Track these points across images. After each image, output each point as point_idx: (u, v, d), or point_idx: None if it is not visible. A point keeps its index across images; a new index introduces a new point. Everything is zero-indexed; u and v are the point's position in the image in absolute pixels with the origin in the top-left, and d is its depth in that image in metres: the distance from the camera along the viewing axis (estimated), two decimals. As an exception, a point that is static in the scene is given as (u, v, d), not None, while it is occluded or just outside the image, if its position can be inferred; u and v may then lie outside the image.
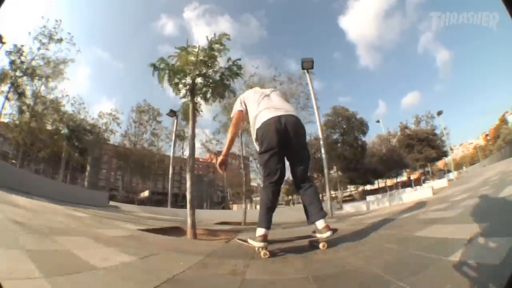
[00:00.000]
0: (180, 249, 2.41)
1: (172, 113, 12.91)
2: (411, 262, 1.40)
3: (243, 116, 2.32)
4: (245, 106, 2.32)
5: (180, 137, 17.27)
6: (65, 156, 16.02)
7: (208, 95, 4.54)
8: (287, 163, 2.25)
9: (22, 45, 13.09)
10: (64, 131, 15.40)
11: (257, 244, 1.93)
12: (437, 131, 29.20)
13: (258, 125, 2.10)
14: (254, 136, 2.21)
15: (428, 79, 74.38)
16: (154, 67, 4.26)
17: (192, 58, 4.29)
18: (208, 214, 9.92)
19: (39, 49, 13.53)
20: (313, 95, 9.56)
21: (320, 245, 1.97)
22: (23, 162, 19.13)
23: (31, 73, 13.34)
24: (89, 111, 18.07)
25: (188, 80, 4.37)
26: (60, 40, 14.11)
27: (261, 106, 2.16)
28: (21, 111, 14.06)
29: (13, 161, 16.63)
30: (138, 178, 23.74)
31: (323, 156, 9.29)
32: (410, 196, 7.79)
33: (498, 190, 3.70)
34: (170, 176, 11.20)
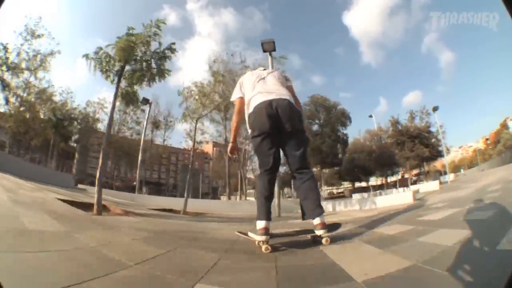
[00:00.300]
0: (59, 214, 2.80)
1: (145, 101, 13.08)
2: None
3: (244, 101, 2.20)
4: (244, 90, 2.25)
5: (155, 124, 17.66)
6: (55, 143, 16.81)
7: (141, 78, 4.90)
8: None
9: (7, 43, 14.20)
10: (52, 119, 16.20)
11: (258, 238, 1.83)
12: (433, 129, 26.13)
13: (250, 109, 2.06)
14: (247, 121, 2.16)
15: (431, 80, 73.05)
16: (86, 57, 4.67)
17: (122, 45, 4.66)
18: (166, 202, 9.66)
19: (22, 45, 14.72)
20: None
21: (323, 240, 1.86)
22: (19, 150, 20.19)
23: (15, 67, 14.36)
24: (75, 100, 18.83)
25: (118, 66, 4.72)
26: (40, 36, 15.18)
27: (255, 90, 2.11)
28: (7, 101, 15.04)
29: (7, 149, 17.67)
30: (128, 167, 24.30)
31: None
32: (386, 200, 6.70)
33: (502, 212, 2.30)
34: (139, 163, 11.55)
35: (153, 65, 4.88)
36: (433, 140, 25.98)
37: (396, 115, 28.41)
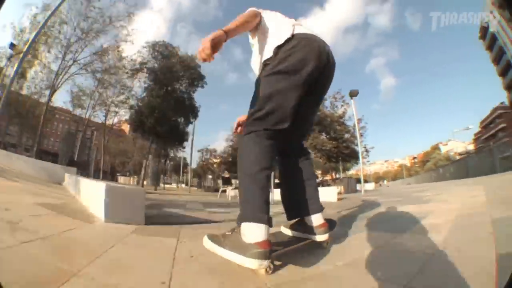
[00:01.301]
0: None
1: (12, 46, 11.98)
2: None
3: (260, 19, 1.39)
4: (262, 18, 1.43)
5: (23, 76, 15.05)
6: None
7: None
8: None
9: None
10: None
11: (255, 265, 0.96)
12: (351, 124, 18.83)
13: (289, 35, 1.27)
14: (268, 53, 1.31)
15: (369, 97, 78.41)
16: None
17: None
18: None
19: None
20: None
21: (323, 240, 1.41)
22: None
23: None
24: None
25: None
26: None
27: (294, 22, 1.38)
28: None
29: None
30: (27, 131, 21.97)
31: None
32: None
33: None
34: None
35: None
36: (347, 135, 18.95)
37: None
